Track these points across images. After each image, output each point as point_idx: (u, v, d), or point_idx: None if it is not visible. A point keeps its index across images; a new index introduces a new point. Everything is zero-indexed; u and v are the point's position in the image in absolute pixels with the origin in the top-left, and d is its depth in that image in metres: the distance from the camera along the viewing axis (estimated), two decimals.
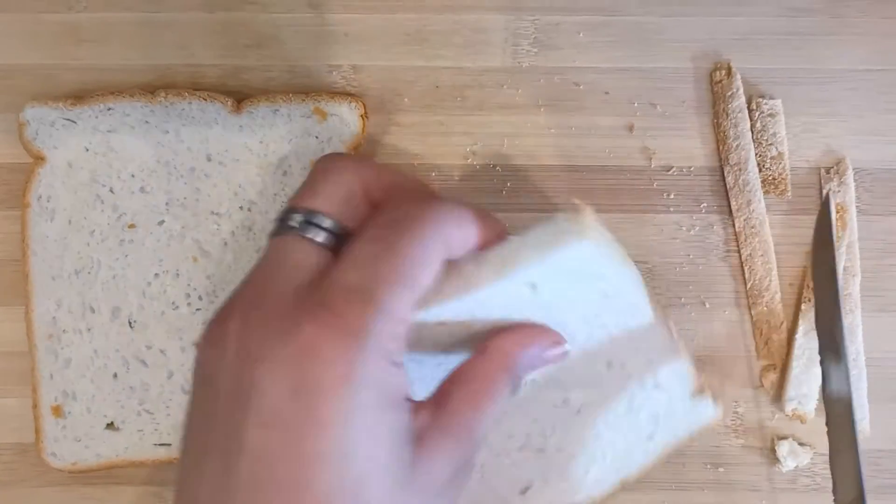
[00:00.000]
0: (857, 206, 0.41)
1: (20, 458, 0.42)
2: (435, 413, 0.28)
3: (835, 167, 0.41)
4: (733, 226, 0.41)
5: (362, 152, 0.40)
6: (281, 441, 0.25)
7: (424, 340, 0.31)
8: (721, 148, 0.41)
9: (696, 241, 0.41)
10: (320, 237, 0.29)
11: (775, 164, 0.41)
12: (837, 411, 0.38)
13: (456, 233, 0.29)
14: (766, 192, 0.40)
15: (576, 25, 0.41)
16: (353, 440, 0.26)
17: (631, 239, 0.41)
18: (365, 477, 0.26)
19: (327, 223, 0.29)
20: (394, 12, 0.41)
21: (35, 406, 0.40)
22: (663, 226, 0.41)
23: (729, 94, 0.40)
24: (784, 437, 0.41)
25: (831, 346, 0.38)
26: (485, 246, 0.30)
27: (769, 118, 0.40)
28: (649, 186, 0.41)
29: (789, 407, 0.40)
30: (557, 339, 0.32)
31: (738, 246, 0.41)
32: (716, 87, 0.41)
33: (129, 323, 0.40)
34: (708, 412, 0.36)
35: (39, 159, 0.40)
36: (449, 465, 0.28)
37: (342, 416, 0.25)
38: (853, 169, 0.40)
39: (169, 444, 0.40)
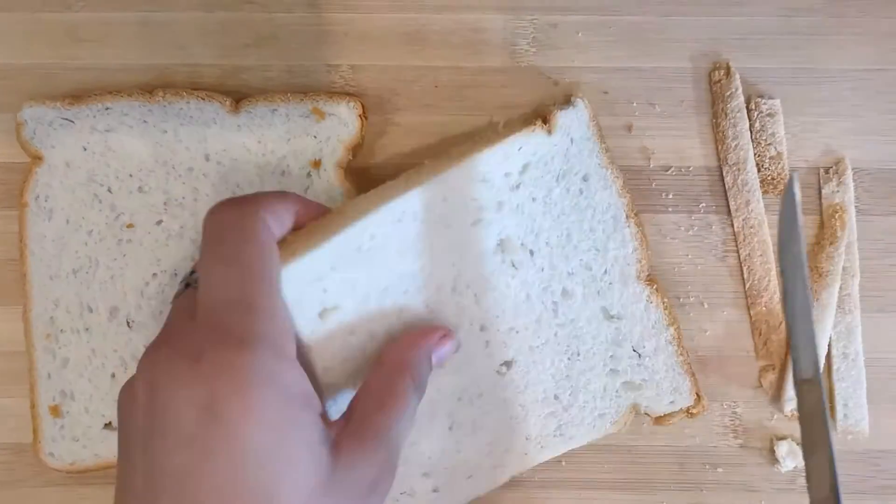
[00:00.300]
0: (856, 207, 0.40)
1: (18, 458, 0.41)
2: (347, 422, 0.30)
3: (834, 167, 0.41)
4: (732, 226, 0.41)
5: (361, 153, 0.40)
6: (197, 456, 0.26)
7: (335, 357, 0.34)
8: (720, 148, 0.41)
9: (694, 241, 0.41)
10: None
11: (774, 163, 0.40)
12: (809, 403, 0.35)
13: (281, 210, 0.33)
14: (764, 192, 0.40)
15: (574, 25, 0.41)
16: (260, 439, 0.27)
17: None
18: (279, 476, 0.27)
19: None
20: (393, 12, 0.41)
21: (33, 406, 0.40)
22: (662, 226, 0.41)
23: (728, 93, 0.40)
24: (783, 438, 0.41)
25: (802, 334, 0.36)
26: (306, 220, 0.34)
27: (768, 118, 0.40)
28: (648, 186, 0.41)
29: (788, 407, 0.40)
30: (445, 334, 0.35)
31: (736, 246, 0.41)
32: (715, 86, 0.41)
33: (128, 323, 0.40)
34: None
35: (37, 159, 0.40)
36: (369, 470, 0.29)
37: (245, 415, 0.27)
38: (852, 169, 0.40)
39: None
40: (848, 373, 0.40)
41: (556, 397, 0.38)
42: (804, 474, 0.41)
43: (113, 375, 0.40)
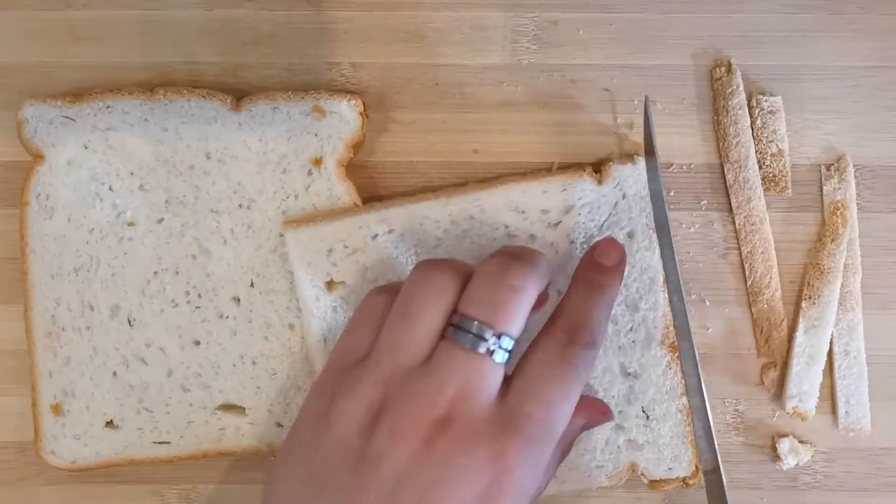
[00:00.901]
0: (857, 204, 0.40)
1: (19, 456, 0.42)
2: None
3: (835, 164, 0.40)
4: (733, 223, 0.41)
5: (362, 150, 0.40)
6: None
7: (337, 333, 0.37)
8: (721, 145, 0.41)
9: (696, 238, 0.41)
10: (505, 359, 0.32)
11: (775, 161, 0.40)
12: (716, 495, 0.37)
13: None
14: (766, 190, 0.40)
15: (575, 22, 0.41)
16: None
17: None
18: None
19: (511, 345, 0.32)
20: (393, 9, 0.41)
21: (34, 404, 0.40)
22: None
23: (729, 91, 0.40)
24: (784, 435, 0.41)
25: (672, 278, 0.38)
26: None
27: (769, 115, 0.40)
28: None
29: (790, 405, 0.40)
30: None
31: (738, 243, 0.41)
32: (716, 84, 0.40)
33: (129, 321, 0.40)
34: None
35: (38, 157, 0.40)
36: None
37: None
38: (854, 166, 0.40)
39: (168, 443, 0.40)
40: (849, 370, 0.40)
41: None
42: (806, 472, 0.41)
43: (114, 374, 0.40)
